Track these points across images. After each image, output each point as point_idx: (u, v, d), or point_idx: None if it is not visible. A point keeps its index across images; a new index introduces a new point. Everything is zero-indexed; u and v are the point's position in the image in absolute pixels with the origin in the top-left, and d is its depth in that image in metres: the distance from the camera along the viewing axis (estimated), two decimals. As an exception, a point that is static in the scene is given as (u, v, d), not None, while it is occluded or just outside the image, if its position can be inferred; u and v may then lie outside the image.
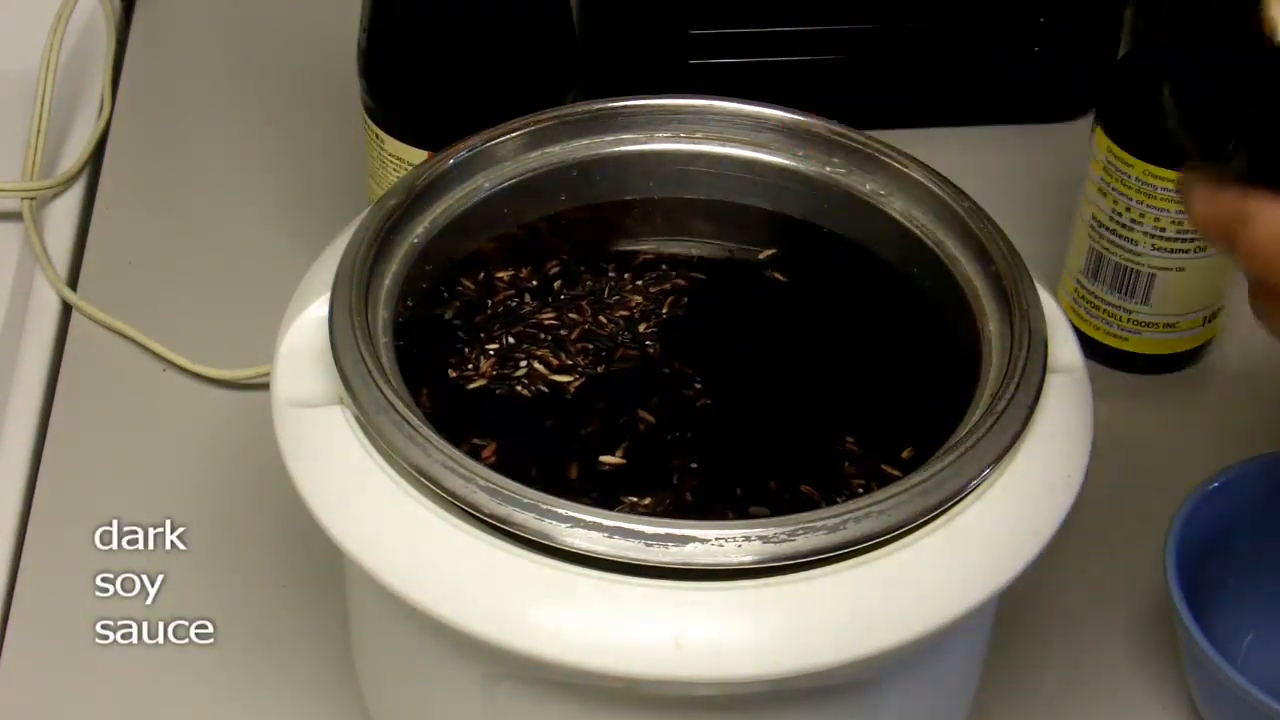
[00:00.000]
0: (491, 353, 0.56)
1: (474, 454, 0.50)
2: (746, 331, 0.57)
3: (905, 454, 0.52)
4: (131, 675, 0.62)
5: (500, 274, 0.58)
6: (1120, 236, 0.72)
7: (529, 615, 0.45)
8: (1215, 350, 0.77)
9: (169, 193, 0.85)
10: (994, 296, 0.54)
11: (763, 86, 0.66)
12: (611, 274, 0.59)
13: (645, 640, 0.44)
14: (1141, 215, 0.71)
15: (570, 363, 0.55)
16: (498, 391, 0.55)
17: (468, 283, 0.58)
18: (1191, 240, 0.71)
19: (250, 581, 0.65)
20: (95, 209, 0.83)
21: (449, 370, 0.55)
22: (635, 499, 0.50)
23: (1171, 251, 0.71)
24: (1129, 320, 0.74)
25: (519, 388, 0.55)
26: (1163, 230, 0.71)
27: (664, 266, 0.59)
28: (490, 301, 0.58)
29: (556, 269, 0.59)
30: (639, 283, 0.59)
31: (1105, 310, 0.74)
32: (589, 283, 0.58)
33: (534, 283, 0.58)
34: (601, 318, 0.57)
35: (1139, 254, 0.72)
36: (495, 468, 0.47)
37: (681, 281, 0.58)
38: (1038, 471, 0.49)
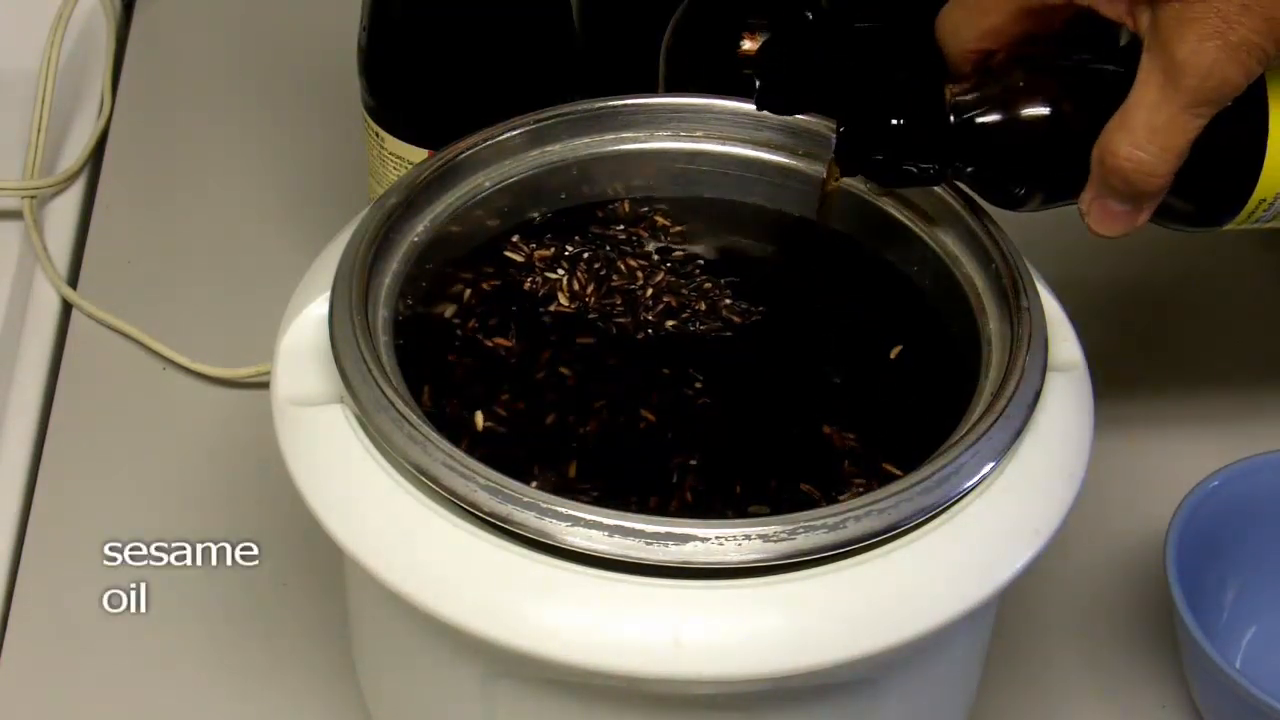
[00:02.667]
0: (567, 251, 0.58)
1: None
2: (746, 329, 0.57)
3: (906, 452, 0.52)
4: (131, 676, 0.62)
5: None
6: None
7: (529, 614, 0.45)
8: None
9: (169, 192, 0.85)
10: (995, 295, 0.54)
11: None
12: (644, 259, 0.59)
13: (645, 639, 0.44)
14: None
15: (585, 298, 0.56)
16: (511, 268, 0.57)
17: (623, 206, 0.60)
18: None
19: (250, 581, 0.65)
20: (95, 208, 0.83)
21: (512, 238, 0.58)
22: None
23: None
24: None
25: (528, 281, 0.56)
26: None
27: (664, 264, 0.59)
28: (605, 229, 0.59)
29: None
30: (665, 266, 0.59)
31: None
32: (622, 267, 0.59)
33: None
34: (640, 292, 0.57)
35: None
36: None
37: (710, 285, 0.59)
38: (1038, 470, 0.49)
